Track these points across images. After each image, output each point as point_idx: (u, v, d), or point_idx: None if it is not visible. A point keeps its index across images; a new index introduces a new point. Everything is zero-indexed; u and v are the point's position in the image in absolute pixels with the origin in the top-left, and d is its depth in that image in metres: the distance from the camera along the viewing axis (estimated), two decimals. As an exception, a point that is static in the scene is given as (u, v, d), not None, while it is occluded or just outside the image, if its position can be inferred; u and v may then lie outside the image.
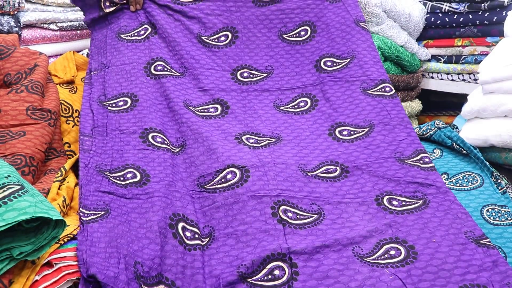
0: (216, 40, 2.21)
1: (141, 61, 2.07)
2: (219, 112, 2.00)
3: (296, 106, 2.07)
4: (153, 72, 2.05)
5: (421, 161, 1.82)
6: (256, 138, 1.90)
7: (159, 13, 2.20)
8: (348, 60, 2.13)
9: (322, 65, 2.16)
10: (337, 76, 2.11)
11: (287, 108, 2.07)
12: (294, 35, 2.24)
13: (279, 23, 2.26)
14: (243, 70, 2.17)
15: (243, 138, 1.89)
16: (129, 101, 1.94)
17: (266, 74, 2.17)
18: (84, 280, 1.33)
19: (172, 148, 1.84)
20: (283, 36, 2.25)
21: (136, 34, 2.16)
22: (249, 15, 2.27)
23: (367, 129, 1.93)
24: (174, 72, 2.08)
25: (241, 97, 2.08)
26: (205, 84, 2.08)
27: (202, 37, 2.20)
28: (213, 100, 2.04)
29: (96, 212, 1.55)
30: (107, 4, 2.21)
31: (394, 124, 1.93)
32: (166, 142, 1.84)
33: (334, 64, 2.14)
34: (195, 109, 1.99)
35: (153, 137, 1.84)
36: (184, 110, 1.94)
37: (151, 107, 1.93)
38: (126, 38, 2.14)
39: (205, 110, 2.00)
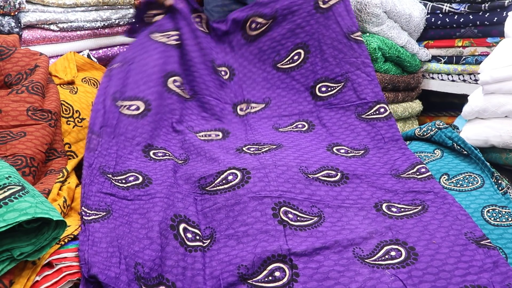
0: (219, 72, 2.25)
1: (161, 68, 2.08)
2: (220, 137, 2.05)
3: (294, 127, 2.11)
4: (169, 85, 2.08)
5: (418, 173, 1.85)
6: (257, 146, 1.93)
7: (188, 31, 2.21)
8: (342, 83, 2.16)
9: (317, 91, 2.19)
10: (332, 102, 2.15)
11: (286, 129, 2.10)
12: (288, 62, 2.26)
13: (272, 53, 2.27)
14: (242, 105, 2.21)
15: (244, 148, 1.92)
16: (142, 107, 1.95)
17: (264, 105, 2.21)
18: (85, 281, 1.33)
19: (175, 159, 1.86)
20: (277, 65, 2.27)
21: (166, 36, 2.16)
22: (243, 52, 2.30)
23: (362, 151, 1.98)
24: (185, 94, 2.12)
25: (241, 125, 2.13)
26: (208, 114, 2.12)
27: (214, 63, 2.23)
28: (215, 129, 2.08)
29: (98, 213, 1.55)
30: (152, 13, 2.23)
31: (388, 147, 1.99)
32: (168, 154, 1.86)
33: (329, 89, 2.17)
34: (197, 134, 2.02)
35: (154, 153, 1.87)
36: (187, 131, 1.99)
37: (159, 122, 1.96)
38: (156, 38, 2.14)
39: (207, 135, 2.03)
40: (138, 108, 1.94)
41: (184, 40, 2.18)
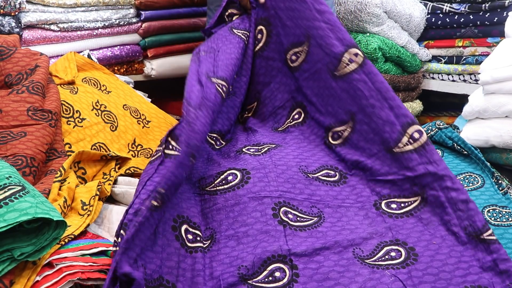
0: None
1: (237, 63, 2.00)
2: (223, 145, 2.00)
3: (291, 120, 2.04)
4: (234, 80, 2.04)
5: (411, 139, 1.68)
6: (257, 147, 1.90)
7: (252, 36, 2.15)
8: (307, 43, 1.97)
9: (290, 63, 2.03)
10: (305, 68, 1.98)
11: (284, 127, 2.04)
12: (257, 42, 2.13)
13: (244, 42, 2.13)
14: (241, 113, 2.18)
15: (244, 149, 1.88)
16: (225, 89, 1.83)
17: (256, 102, 2.14)
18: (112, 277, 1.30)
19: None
20: (254, 51, 2.13)
21: (242, 34, 2.09)
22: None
23: (351, 123, 1.83)
24: (232, 90, 2.06)
25: (243, 131, 2.09)
26: (233, 118, 2.09)
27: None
28: (223, 137, 2.03)
29: (154, 197, 1.43)
30: (229, 17, 2.19)
31: (372, 103, 1.77)
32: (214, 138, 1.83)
33: (298, 55, 2.00)
34: (209, 134, 1.96)
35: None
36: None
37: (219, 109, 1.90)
38: (237, 32, 2.08)
39: (213, 138, 1.99)
40: (223, 91, 1.82)
41: (249, 45, 2.12)
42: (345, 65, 1.85)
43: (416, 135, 1.68)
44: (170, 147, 1.59)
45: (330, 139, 1.90)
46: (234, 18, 2.18)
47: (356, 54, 1.83)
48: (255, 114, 2.14)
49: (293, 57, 2.02)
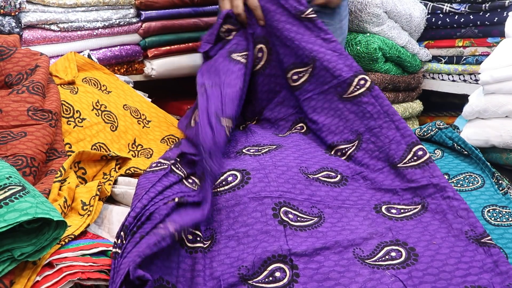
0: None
1: (241, 94, 2.02)
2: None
3: (294, 130, 2.06)
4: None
5: (415, 157, 1.76)
6: (257, 148, 1.90)
7: (251, 55, 2.14)
8: (311, 65, 2.01)
9: (291, 82, 2.06)
10: (309, 89, 2.02)
11: (285, 134, 2.06)
12: (257, 62, 2.13)
13: (244, 65, 2.11)
14: (243, 125, 2.19)
15: (244, 150, 1.89)
16: (231, 129, 1.89)
17: (257, 117, 2.16)
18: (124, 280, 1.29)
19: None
20: (253, 70, 2.14)
21: (243, 56, 2.10)
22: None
23: (356, 142, 1.89)
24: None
25: (242, 133, 2.10)
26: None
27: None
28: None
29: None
30: (226, 33, 2.17)
31: (380, 124, 1.86)
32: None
33: (301, 75, 2.04)
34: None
35: None
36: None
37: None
38: (236, 58, 2.08)
39: None
40: (230, 131, 1.88)
41: (248, 64, 2.11)
42: (355, 89, 1.93)
43: (420, 153, 1.76)
44: (177, 166, 1.72)
45: (333, 153, 1.93)
46: (231, 34, 2.16)
47: (364, 79, 1.92)
48: (257, 123, 2.15)
49: (294, 77, 2.05)
